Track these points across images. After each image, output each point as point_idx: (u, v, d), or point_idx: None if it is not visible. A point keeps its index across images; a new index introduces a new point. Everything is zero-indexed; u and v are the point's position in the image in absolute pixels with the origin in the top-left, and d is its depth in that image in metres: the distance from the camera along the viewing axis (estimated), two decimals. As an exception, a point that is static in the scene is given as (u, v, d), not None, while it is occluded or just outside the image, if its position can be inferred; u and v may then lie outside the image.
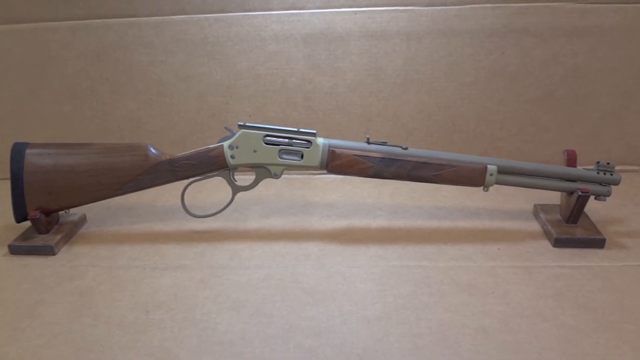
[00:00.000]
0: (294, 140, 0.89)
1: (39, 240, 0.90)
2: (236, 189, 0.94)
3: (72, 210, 0.94)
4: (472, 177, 0.89)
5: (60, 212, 0.95)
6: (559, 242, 0.89)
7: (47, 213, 0.91)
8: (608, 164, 0.90)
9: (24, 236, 0.91)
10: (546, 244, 0.90)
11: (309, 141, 0.89)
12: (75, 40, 1.11)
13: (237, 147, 0.89)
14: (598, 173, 0.90)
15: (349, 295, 0.78)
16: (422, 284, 0.80)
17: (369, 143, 0.89)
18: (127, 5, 1.08)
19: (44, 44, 1.11)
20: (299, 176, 1.19)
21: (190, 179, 0.92)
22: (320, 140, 0.89)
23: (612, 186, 0.90)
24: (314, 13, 1.08)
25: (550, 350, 0.67)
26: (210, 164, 0.90)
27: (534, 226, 0.96)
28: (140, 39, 1.11)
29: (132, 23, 1.10)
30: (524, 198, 1.05)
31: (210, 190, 1.10)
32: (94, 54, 1.12)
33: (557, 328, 0.71)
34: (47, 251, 0.89)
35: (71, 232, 0.95)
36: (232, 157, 0.89)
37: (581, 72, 1.11)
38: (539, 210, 0.98)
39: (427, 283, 0.80)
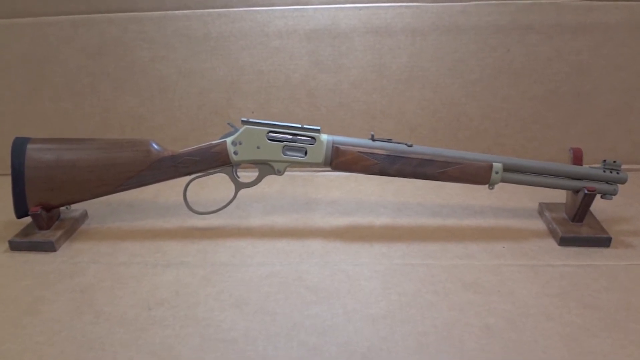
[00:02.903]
0: (297, 137, 0.88)
1: (40, 236, 0.89)
2: (239, 186, 0.93)
3: (73, 206, 0.93)
4: (478, 174, 0.88)
5: (61, 208, 0.94)
6: (564, 241, 0.88)
7: (48, 209, 0.90)
8: (614, 162, 0.89)
9: (25, 232, 0.91)
10: (551, 243, 0.89)
11: (313, 137, 0.88)
12: (76, 35, 1.10)
13: (240, 143, 0.88)
14: (604, 171, 0.89)
15: (353, 293, 0.77)
16: (427, 282, 0.79)
17: (373, 140, 0.89)
18: (128, 0, 1.07)
19: (44, 39, 1.10)
20: (302, 173, 1.18)
21: (193, 175, 0.91)
22: (324, 137, 0.88)
23: (618, 185, 0.89)
24: (317, 9, 1.07)
25: (555, 349, 0.66)
26: (213, 160, 0.89)
27: (539, 225, 0.95)
28: (142, 34, 1.10)
29: (134, 18, 1.09)
30: (528, 196, 1.04)
31: (213, 186, 1.09)
32: (95, 49, 1.11)
33: (562, 327, 0.70)
34: (48, 247, 0.88)
35: (72, 228, 0.94)
36: (235, 153, 0.88)
37: (586, 69, 1.10)
38: (544, 208, 0.97)
39: (431, 281, 0.79)
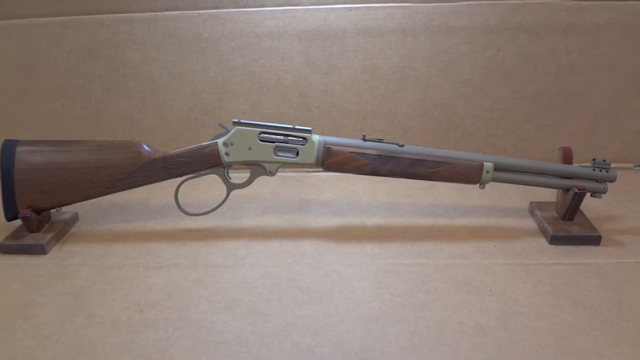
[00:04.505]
0: (289, 138, 0.88)
1: (30, 239, 0.89)
2: (231, 187, 0.93)
3: (63, 209, 0.93)
4: (469, 174, 0.88)
5: (52, 211, 0.94)
6: (555, 240, 0.88)
7: (38, 211, 0.90)
8: (604, 161, 0.90)
9: (15, 235, 0.90)
10: (542, 242, 0.90)
11: (304, 138, 0.88)
12: (66, 36, 1.09)
13: (231, 144, 0.88)
14: (594, 170, 0.89)
15: (345, 294, 0.77)
16: (419, 282, 0.79)
17: (364, 140, 0.89)
18: (119, 1, 1.07)
19: (34, 40, 1.10)
20: (294, 174, 1.18)
21: (184, 177, 0.91)
22: (316, 137, 0.88)
23: (608, 183, 0.90)
24: (308, 9, 1.07)
25: (548, 347, 0.67)
26: (204, 161, 0.89)
27: (530, 223, 0.96)
28: (132, 35, 1.09)
29: (124, 19, 1.08)
30: (519, 195, 1.05)
31: (204, 188, 1.09)
32: (85, 50, 1.11)
33: (554, 325, 0.70)
34: (38, 250, 0.88)
35: (63, 231, 0.93)
36: (227, 154, 0.88)
37: (576, 69, 1.11)
38: (534, 207, 0.97)
39: (424, 281, 0.80)
